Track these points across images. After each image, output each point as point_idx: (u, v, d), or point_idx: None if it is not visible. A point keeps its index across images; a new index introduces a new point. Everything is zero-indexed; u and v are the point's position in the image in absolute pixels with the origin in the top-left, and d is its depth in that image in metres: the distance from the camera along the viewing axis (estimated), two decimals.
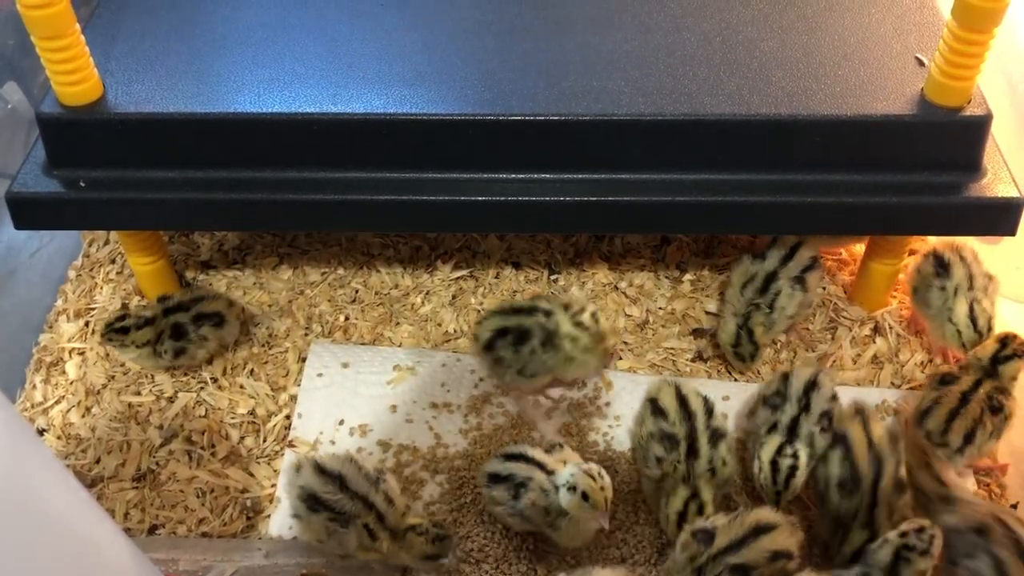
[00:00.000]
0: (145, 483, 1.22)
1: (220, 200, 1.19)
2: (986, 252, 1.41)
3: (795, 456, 1.08)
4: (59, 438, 1.27)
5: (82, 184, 1.18)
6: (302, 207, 1.19)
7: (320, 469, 1.07)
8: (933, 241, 1.32)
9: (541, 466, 1.07)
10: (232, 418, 1.28)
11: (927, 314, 1.29)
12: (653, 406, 1.16)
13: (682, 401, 1.14)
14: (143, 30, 1.26)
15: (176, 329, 1.27)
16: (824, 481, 1.09)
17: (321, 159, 1.19)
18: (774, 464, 1.09)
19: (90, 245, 1.50)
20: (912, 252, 1.45)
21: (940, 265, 1.28)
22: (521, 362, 1.19)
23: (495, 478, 1.09)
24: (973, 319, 1.23)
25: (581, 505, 1.01)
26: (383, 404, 1.28)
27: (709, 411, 1.14)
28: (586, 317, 1.18)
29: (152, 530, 1.18)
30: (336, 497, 1.05)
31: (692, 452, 1.10)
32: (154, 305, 1.30)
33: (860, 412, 1.12)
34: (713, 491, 1.10)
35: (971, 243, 1.32)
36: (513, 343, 1.19)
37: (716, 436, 1.12)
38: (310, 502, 1.06)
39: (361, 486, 1.06)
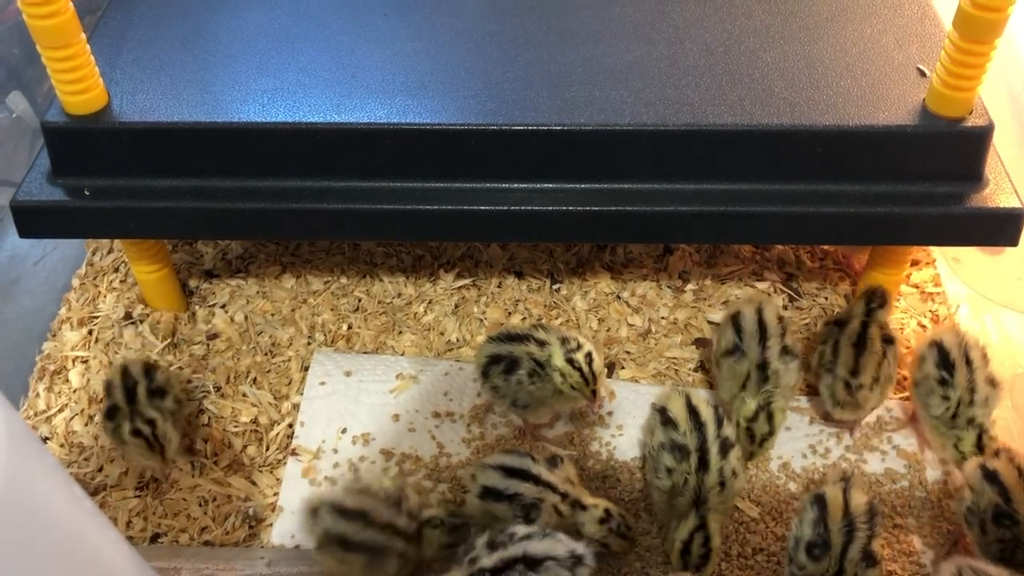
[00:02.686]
0: (148, 492, 1.22)
1: (224, 209, 1.19)
2: (987, 263, 1.42)
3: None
4: (62, 446, 1.27)
5: (86, 193, 1.19)
6: (305, 216, 1.19)
7: (341, 511, 1.04)
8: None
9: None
10: (235, 427, 1.28)
11: (926, 415, 1.20)
12: (663, 416, 1.15)
13: (692, 411, 1.14)
14: (148, 39, 1.27)
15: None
16: (794, 541, 1.06)
17: (324, 169, 1.19)
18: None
19: (94, 254, 1.51)
20: (915, 262, 1.46)
21: (944, 366, 1.18)
22: (512, 392, 1.18)
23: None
24: (980, 447, 1.16)
25: None
26: (386, 413, 1.28)
27: (719, 421, 1.14)
28: (580, 356, 1.14)
29: (154, 538, 1.18)
30: (366, 534, 1.04)
31: (703, 464, 1.10)
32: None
33: (845, 479, 1.08)
34: (720, 518, 1.10)
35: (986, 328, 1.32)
36: (504, 371, 1.17)
37: (726, 446, 1.12)
38: (341, 544, 1.04)
39: (385, 515, 1.05)
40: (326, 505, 1.05)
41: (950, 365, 1.18)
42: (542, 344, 1.17)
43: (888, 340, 1.23)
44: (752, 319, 1.21)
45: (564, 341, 1.16)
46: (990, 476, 1.08)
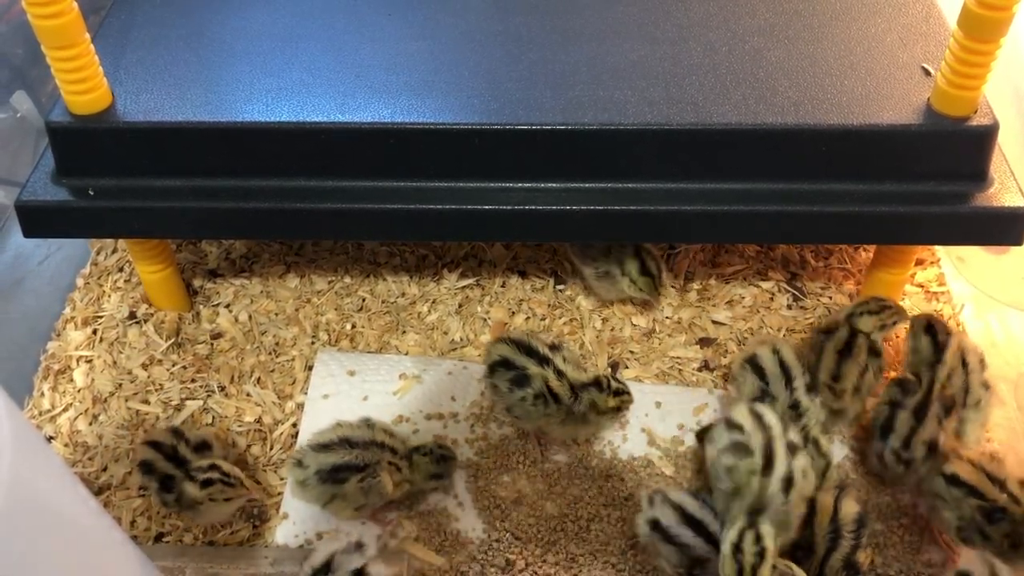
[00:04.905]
0: (151, 491, 1.22)
1: (228, 209, 1.19)
2: (992, 262, 1.41)
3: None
4: (66, 446, 1.27)
5: (91, 192, 1.19)
6: (309, 216, 1.19)
7: (321, 447, 1.13)
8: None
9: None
10: (239, 426, 1.28)
11: None
12: (728, 423, 1.10)
13: (756, 416, 1.09)
14: (152, 39, 1.27)
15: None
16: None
17: (328, 168, 1.19)
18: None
19: (98, 253, 1.51)
20: (919, 262, 1.45)
21: (936, 348, 1.19)
22: (511, 402, 1.18)
23: (664, 533, 1.06)
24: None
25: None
26: (389, 412, 1.28)
27: (784, 425, 1.10)
28: (615, 384, 1.19)
29: (159, 538, 1.18)
30: (353, 455, 1.11)
31: (768, 464, 1.04)
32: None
33: (841, 488, 1.08)
34: (778, 529, 1.03)
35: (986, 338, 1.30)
36: (511, 382, 1.17)
37: (793, 447, 1.07)
38: (335, 475, 1.11)
39: (363, 434, 1.13)
40: (306, 449, 1.14)
41: (938, 346, 1.19)
42: (560, 375, 1.17)
43: (875, 352, 1.22)
44: (772, 360, 1.19)
45: (597, 383, 1.18)
46: (952, 480, 1.08)
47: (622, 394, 1.19)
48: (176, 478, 1.12)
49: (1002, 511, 1.06)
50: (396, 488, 1.12)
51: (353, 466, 1.10)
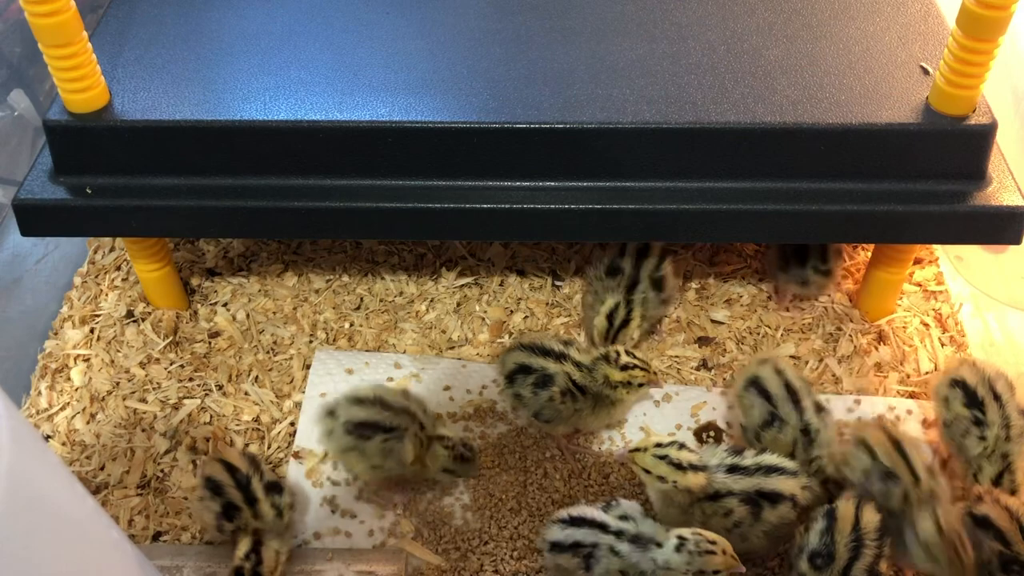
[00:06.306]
0: (149, 490, 1.22)
1: (226, 207, 1.19)
2: (991, 261, 1.41)
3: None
4: (64, 445, 1.27)
5: (88, 191, 1.19)
6: (307, 215, 1.19)
7: (357, 400, 1.13)
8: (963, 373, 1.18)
9: (603, 527, 1.04)
10: (237, 425, 1.28)
11: (960, 454, 1.17)
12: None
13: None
14: (150, 38, 1.27)
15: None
16: (797, 549, 1.04)
17: (326, 167, 1.19)
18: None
19: (95, 252, 1.51)
20: (918, 261, 1.46)
21: (973, 404, 1.15)
22: (537, 406, 1.18)
23: (558, 547, 1.05)
24: (998, 482, 1.12)
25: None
26: None
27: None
28: (624, 358, 1.20)
29: (156, 537, 1.18)
30: (384, 415, 1.12)
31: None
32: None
33: (860, 497, 1.05)
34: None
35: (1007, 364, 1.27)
36: (534, 384, 1.18)
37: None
38: (360, 431, 1.11)
39: (399, 401, 1.14)
40: (342, 399, 1.14)
41: (979, 403, 1.15)
42: (579, 366, 1.18)
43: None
44: (777, 382, 1.16)
45: (607, 357, 1.20)
46: (981, 522, 1.06)
47: (630, 368, 1.19)
48: (242, 512, 1.08)
49: (1020, 565, 1.03)
50: (414, 462, 1.12)
51: (381, 425, 1.11)
